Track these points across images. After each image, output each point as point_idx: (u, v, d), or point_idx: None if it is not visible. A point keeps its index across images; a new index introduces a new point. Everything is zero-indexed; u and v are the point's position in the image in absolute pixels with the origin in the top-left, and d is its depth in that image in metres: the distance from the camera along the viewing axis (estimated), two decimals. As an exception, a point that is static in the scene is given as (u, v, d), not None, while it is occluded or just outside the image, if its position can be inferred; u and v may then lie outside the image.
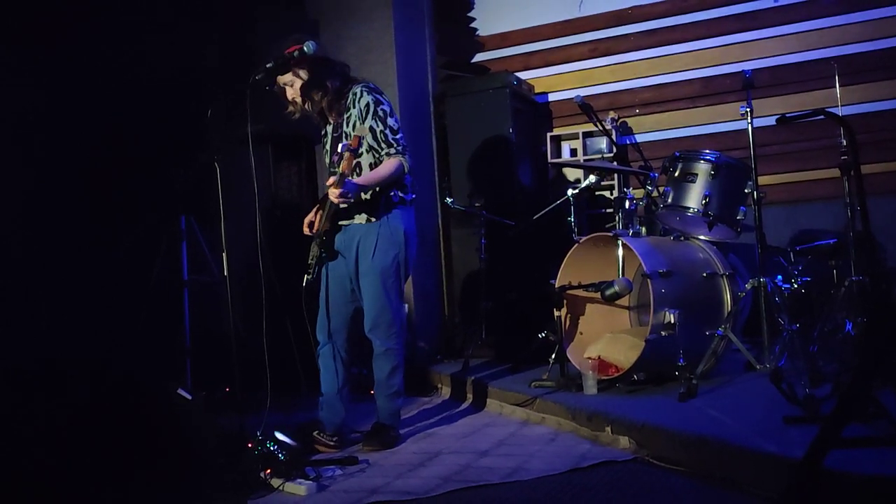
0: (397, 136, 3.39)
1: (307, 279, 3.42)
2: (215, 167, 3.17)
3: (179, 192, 4.22)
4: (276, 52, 3.26)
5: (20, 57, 4.33)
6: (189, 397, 3.15)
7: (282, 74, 3.35)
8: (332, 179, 3.22)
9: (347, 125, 3.42)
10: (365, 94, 3.40)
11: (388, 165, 3.36)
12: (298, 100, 3.45)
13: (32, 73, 4.41)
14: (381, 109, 3.39)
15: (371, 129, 3.36)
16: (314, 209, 3.59)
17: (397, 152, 3.37)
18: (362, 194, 3.35)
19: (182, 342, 4.41)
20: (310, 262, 3.45)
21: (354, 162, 3.38)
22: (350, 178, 3.30)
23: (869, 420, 2.51)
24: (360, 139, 3.25)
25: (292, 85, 3.41)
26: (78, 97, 4.52)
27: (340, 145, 3.41)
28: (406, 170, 3.40)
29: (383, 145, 3.37)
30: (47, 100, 4.46)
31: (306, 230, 3.57)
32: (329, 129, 3.55)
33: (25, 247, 4.38)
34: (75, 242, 4.53)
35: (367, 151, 3.40)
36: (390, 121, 3.40)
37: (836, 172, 3.99)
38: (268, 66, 3.19)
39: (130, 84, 4.65)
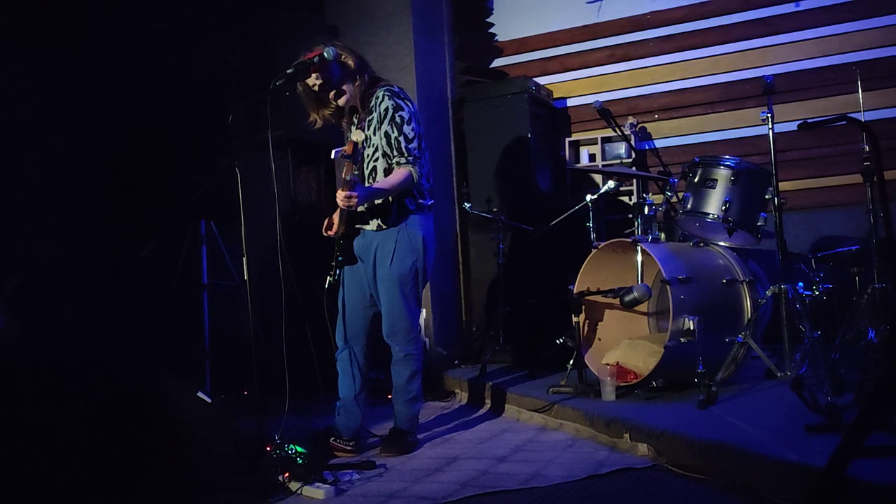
0: (410, 146, 3.34)
1: (329, 281, 3.40)
2: (236, 172, 3.20)
3: (200, 197, 4.25)
4: (299, 56, 3.28)
5: (45, 62, 4.40)
6: (208, 400, 3.16)
7: (302, 80, 3.36)
8: (345, 173, 3.19)
9: (369, 128, 3.42)
10: (386, 98, 3.37)
11: (397, 175, 3.33)
12: (326, 110, 3.45)
13: (56, 79, 4.47)
14: (399, 115, 3.35)
15: (386, 134, 3.35)
16: (336, 211, 3.60)
17: (407, 162, 3.33)
18: (375, 200, 3.34)
19: (202, 345, 4.45)
20: (332, 263, 3.44)
21: (371, 166, 3.39)
22: (367, 182, 3.30)
23: (892, 429, 2.48)
24: (354, 144, 3.18)
25: (317, 87, 3.39)
26: (100, 102, 4.59)
27: (334, 151, 3.39)
28: (415, 180, 3.35)
29: (395, 153, 3.34)
30: (70, 104, 4.53)
31: (325, 231, 3.57)
32: (353, 129, 3.53)
33: (49, 250, 4.45)
34: (97, 246, 4.59)
35: (383, 156, 3.39)
36: (406, 128, 3.35)
37: (858, 178, 3.95)
38: (288, 72, 3.19)
39: (152, 90, 4.71)
